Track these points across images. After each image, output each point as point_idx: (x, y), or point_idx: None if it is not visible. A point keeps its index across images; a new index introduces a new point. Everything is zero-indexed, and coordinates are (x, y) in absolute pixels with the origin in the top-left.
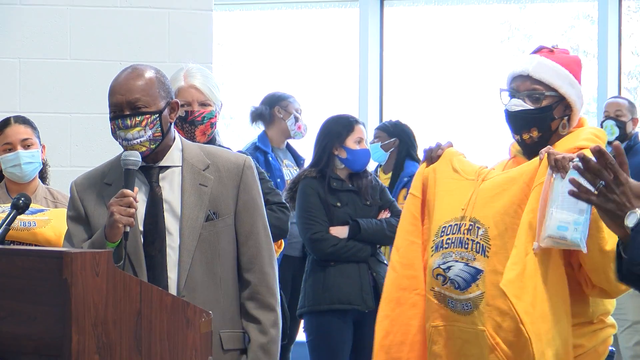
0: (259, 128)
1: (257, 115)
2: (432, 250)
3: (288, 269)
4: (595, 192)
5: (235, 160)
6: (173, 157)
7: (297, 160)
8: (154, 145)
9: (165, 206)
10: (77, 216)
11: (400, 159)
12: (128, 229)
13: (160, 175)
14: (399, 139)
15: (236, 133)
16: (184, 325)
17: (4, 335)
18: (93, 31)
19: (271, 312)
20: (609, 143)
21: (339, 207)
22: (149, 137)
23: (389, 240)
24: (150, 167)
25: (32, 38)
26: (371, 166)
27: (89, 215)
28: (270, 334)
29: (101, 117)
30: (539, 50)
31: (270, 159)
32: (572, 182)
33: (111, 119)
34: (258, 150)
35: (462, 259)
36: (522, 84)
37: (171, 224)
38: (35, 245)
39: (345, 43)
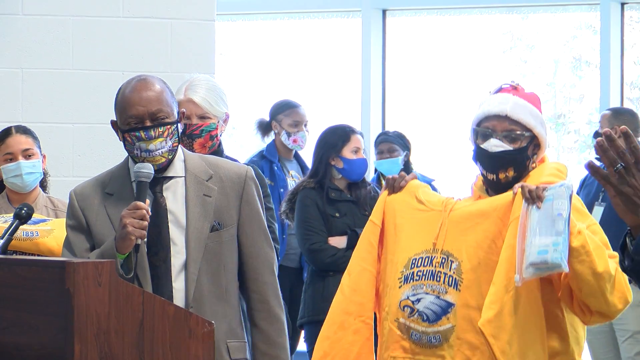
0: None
1: (258, 128)
2: (400, 282)
3: (286, 280)
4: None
5: (237, 171)
6: (176, 167)
7: (305, 171)
8: (171, 156)
9: (169, 217)
10: (78, 225)
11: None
12: (140, 241)
13: (164, 185)
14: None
15: (239, 143)
16: (186, 336)
17: (6, 346)
18: (95, 41)
19: (277, 321)
20: None
21: (337, 217)
22: (169, 147)
23: None
24: (154, 178)
25: (35, 48)
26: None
27: (90, 224)
28: (278, 344)
29: (104, 127)
30: (501, 89)
31: (276, 168)
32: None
33: (128, 131)
34: (264, 158)
35: (434, 292)
36: (499, 124)
37: (175, 234)
38: (38, 255)
39: (348, 53)
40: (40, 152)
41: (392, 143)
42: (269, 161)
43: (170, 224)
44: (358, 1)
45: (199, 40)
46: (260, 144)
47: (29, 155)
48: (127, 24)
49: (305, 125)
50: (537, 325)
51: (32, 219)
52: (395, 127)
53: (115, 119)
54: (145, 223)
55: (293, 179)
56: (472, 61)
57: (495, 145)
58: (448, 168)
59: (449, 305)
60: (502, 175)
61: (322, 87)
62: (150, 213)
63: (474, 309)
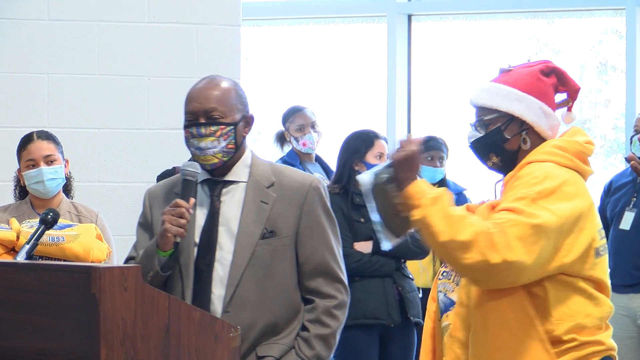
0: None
1: (276, 140)
2: (438, 280)
3: None
4: None
5: (301, 180)
6: (239, 172)
7: (328, 173)
8: (227, 158)
9: (221, 220)
10: (145, 223)
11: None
12: (179, 239)
13: (224, 189)
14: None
15: (264, 148)
16: (212, 341)
17: (32, 351)
18: (121, 47)
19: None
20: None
21: (362, 222)
22: (222, 148)
23: (413, 254)
24: (215, 181)
25: (60, 54)
26: None
27: (154, 223)
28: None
29: (129, 132)
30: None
31: None
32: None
33: (185, 127)
34: (285, 163)
35: (444, 290)
36: (473, 115)
37: (224, 239)
38: (64, 260)
39: (373, 58)
40: (63, 157)
41: (441, 151)
42: (291, 165)
43: (220, 229)
44: (383, 6)
45: (225, 45)
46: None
47: (51, 161)
48: (152, 29)
49: (313, 127)
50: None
51: (58, 224)
52: (420, 132)
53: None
54: (184, 221)
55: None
56: (498, 66)
57: (470, 136)
58: (476, 174)
59: (452, 303)
60: (489, 163)
61: (348, 92)
62: (192, 212)
63: (465, 306)
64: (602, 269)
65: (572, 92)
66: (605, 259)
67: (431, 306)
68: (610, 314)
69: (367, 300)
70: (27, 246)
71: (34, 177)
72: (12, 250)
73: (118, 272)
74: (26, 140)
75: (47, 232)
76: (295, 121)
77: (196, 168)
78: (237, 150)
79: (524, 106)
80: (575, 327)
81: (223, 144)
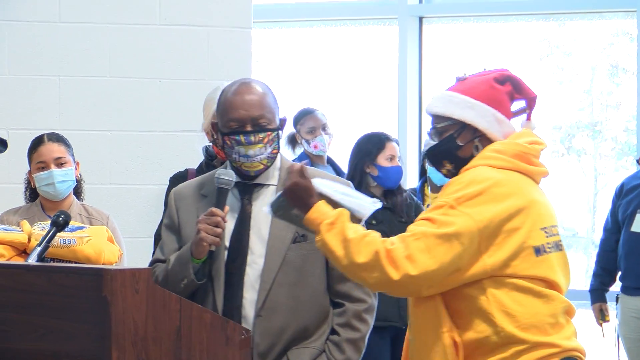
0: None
1: (287, 143)
2: None
3: None
4: None
5: None
6: (270, 175)
7: (340, 175)
8: (270, 163)
9: (252, 224)
10: (171, 225)
11: None
12: (214, 247)
13: (254, 193)
14: None
15: None
16: (223, 343)
17: (43, 353)
18: (132, 49)
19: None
20: None
21: (374, 224)
22: (268, 154)
23: None
24: (245, 184)
25: (72, 56)
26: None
27: (181, 225)
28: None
29: (141, 134)
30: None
31: None
32: None
33: (228, 134)
34: None
35: None
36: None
37: (255, 243)
38: (75, 262)
39: (384, 60)
40: (74, 159)
41: None
42: None
43: (251, 232)
44: (394, 8)
45: (236, 47)
46: (298, 151)
47: (62, 164)
48: (163, 31)
49: (324, 129)
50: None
51: (69, 226)
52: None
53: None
54: (219, 230)
55: None
56: (509, 68)
57: (425, 144)
58: None
59: None
60: (443, 171)
61: (359, 95)
62: (226, 221)
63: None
64: (549, 266)
65: (529, 100)
66: (554, 256)
67: None
68: (567, 310)
69: (379, 303)
70: (39, 248)
71: (44, 180)
72: (24, 252)
73: (129, 274)
74: (37, 143)
75: (58, 234)
76: (306, 123)
77: (231, 176)
78: (277, 154)
79: (476, 113)
80: (522, 326)
81: (269, 149)
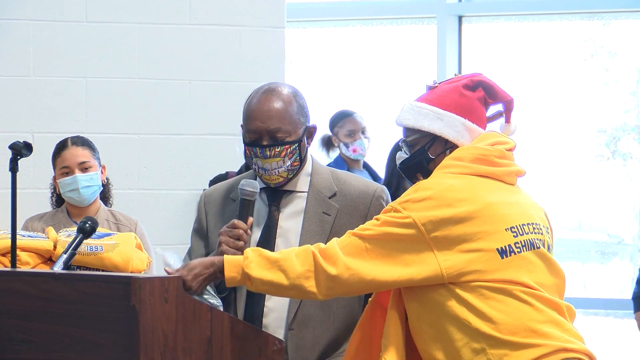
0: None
1: (322, 145)
2: None
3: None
4: None
5: (364, 189)
6: (299, 182)
7: (376, 180)
8: (292, 175)
9: (279, 232)
10: (200, 229)
11: None
12: None
13: (283, 199)
14: None
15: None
16: (256, 354)
17: None
18: (161, 49)
19: None
20: None
21: None
22: (287, 167)
23: None
24: (274, 190)
25: (99, 57)
26: None
27: (210, 230)
28: None
29: (170, 138)
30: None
31: None
32: None
33: (247, 144)
34: None
35: None
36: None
37: (277, 249)
38: (102, 270)
39: (422, 61)
40: (99, 163)
41: None
42: None
43: (277, 240)
44: (433, 7)
45: (268, 48)
46: (333, 155)
47: (86, 168)
48: (194, 31)
49: (364, 132)
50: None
51: (96, 233)
52: None
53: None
54: (241, 243)
55: None
56: (552, 69)
57: (398, 157)
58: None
59: None
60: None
61: (395, 97)
62: (250, 233)
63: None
64: (518, 266)
65: (506, 103)
66: (526, 256)
67: None
68: (559, 309)
69: None
70: (65, 256)
71: (68, 185)
72: (49, 260)
73: (158, 283)
74: (60, 147)
75: (85, 241)
76: (345, 126)
77: (255, 187)
78: (302, 164)
79: (444, 124)
80: (506, 329)
81: (288, 162)
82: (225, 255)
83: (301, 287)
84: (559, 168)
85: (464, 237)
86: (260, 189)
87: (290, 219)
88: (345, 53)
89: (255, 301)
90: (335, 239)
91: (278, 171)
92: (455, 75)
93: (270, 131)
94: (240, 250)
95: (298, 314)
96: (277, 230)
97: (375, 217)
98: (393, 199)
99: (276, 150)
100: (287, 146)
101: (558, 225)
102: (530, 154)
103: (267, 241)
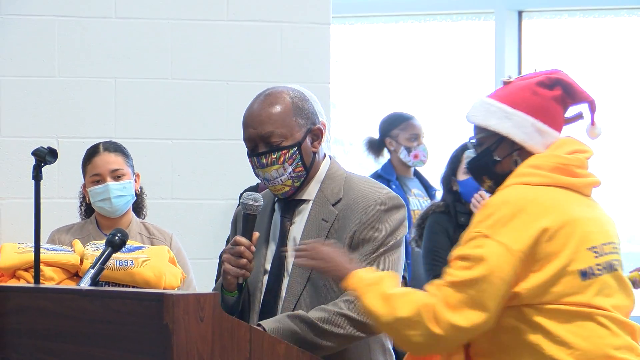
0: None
1: (369, 148)
2: None
3: None
4: None
5: (369, 194)
6: (311, 189)
7: (429, 190)
8: (299, 182)
9: (290, 244)
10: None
11: None
12: (241, 280)
13: (297, 209)
14: None
15: (357, 161)
16: None
17: None
18: (197, 48)
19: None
20: None
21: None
22: (290, 174)
23: None
24: (287, 200)
25: (130, 55)
26: None
27: None
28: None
29: (206, 143)
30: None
31: (394, 187)
32: None
33: (248, 156)
34: (380, 178)
35: None
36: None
37: (290, 263)
38: (133, 286)
39: (479, 60)
40: (133, 171)
41: None
42: (386, 180)
43: (288, 253)
44: (491, 2)
45: (312, 46)
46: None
47: (119, 176)
48: (232, 28)
49: (423, 138)
50: None
51: (126, 246)
52: None
53: None
54: (244, 261)
55: (416, 197)
56: (620, 67)
57: (466, 157)
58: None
59: None
60: (485, 186)
61: (451, 98)
62: (253, 249)
63: None
64: (597, 290)
65: (590, 103)
66: (605, 279)
67: None
68: (633, 332)
69: None
70: (92, 271)
71: (99, 194)
72: (76, 275)
73: (193, 300)
74: (91, 153)
75: (114, 255)
76: (408, 129)
77: (257, 201)
78: (308, 170)
79: (512, 124)
80: (582, 356)
81: (289, 169)
82: (359, 270)
83: (400, 332)
84: (625, 166)
85: (547, 256)
86: (276, 200)
87: (299, 229)
88: (395, 51)
89: (267, 312)
90: (437, 289)
91: (281, 180)
92: (535, 70)
93: (262, 136)
94: (243, 267)
95: None
96: (288, 242)
97: (462, 252)
98: (455, 221)
99: (272, 157)
100: (284, 151)
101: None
102: (601, 159)
103: (280, 254)
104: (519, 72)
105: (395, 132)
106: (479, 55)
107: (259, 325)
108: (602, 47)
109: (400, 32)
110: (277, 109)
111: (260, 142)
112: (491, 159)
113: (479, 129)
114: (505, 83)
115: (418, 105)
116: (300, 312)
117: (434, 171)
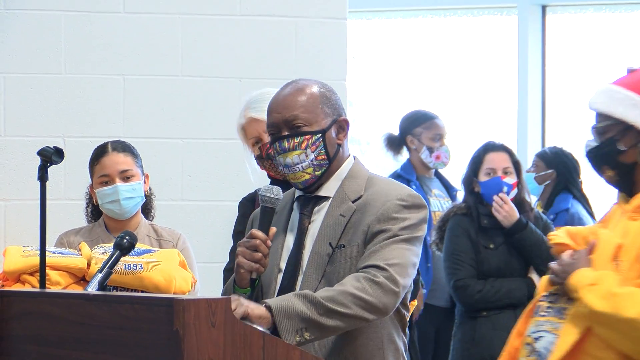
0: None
1: (388, 145)
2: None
3: (431, 321)
4: None
5: (389, 192)
6: (332, 186)
7: (449, 190)
8: (320, 172)
9: (307, 242)
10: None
11: (554, 193)
12: (255, 275)
13: (316, 206)
14: (556, 170)
15: (374, 161)
16: None
17: None
18: (208, 44)
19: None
20: None
21: (491, 249)
22: (311, 161)
23: (546, 257)
24: (306, 197)
25: (139, 52)
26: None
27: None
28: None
29: (218, 143)
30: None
31: (414, 187)
32: None
33: (270, 143)
34: (400, 178)
35: (553, 329)
36: (593, 120)
37: (306, 261)
38: (142, 291)
39: (502, 56)
40: (142, 172)
41: (538, 158)
42: (406, 180)
43: (304, 252)
44: None
45: (328, 41)
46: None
47: (128, 177)
48: (244, 23)
49: (445, 139)
50: None
51: (135, 249)
52: (557, 142)
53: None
54: (259, 255)
55: (437, 198)
56: None
57: (587, 144)
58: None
59: None
60: (605, 176)
61: (471, 95)
62: (269, 244)
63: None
64: None
65: None
66: None
67: (514, 342)
68: None
69: (494, 339)
70: (100, 275)
71: (108, 196)
72: (83, 279)
73: (204, 305)
74: (99, 153)
75: (122, 258)
76: (432, 129)
77: (276, 194)
78: (331, 161)
79: None
80: None
81: (312, 156)
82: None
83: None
84: None
85: None
86: (297, 197)
87: (317, 226)
88: (414, 48)
89: None
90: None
91: (302, 166)
92: (632, 67)
93: (287, 120)
94: (258, 262)
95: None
96: (306, 241)
97: None
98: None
99: (295, 141)
100: (307, 136)
101: None
102: None
103: (298, 252)
104: (542, 70)
105: (418, 130)
106: (500, 51)
107: (263, 302)
108: (630, 44)
109: (420, 28)
110: (304, 95)
111: (284, 127)
112: (615, 149)
113: (602, 117)
114: (631, 71)
115: (437, 103)
116: (306, 291)
117: (453, 172)
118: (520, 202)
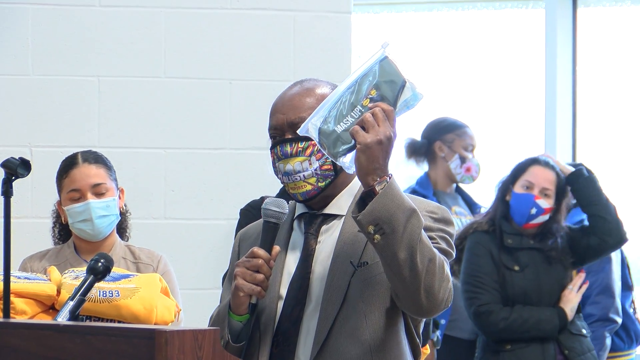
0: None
1: (412, 151)
2: None
3: (452, 355)
4: None
5: (416, 204)
6: (342, 203)
7: (472, 207)
8: (323, 183)
9: (314, 266)
10: (231, 274)
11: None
12: (254, 299)
13: (324, 225)
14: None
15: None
16: None
17: None
18: (195, 41)
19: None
20: None
21: (516, 271)
22: (315, 170)
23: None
24: (313, 215)
25: (116, 50)
26: None
27: None
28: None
29: (206, 153)
30: None
31: None
32: None
33: (270, 148)
34: (415, 193)
35: None
36: None
37: (316, 287)
38: (119, 321)
39: (526, 54)
40: (117, 186)
41: None
42: (422, 196)
43: (313, 277)
44: None
45: (331, 38)
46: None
47: (101, 192)
48: (235, 17)
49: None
50: None
51: (111, 274)
52: (588, 148)
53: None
54: (261, 277)
55: (458, 216)
56: None
57: None
58: None
59: None
60: None
61: (494, 97)
62: (272, 264)
63: None
64: None
65: None
66: None
67: None
68: None
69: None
70: (71, 303)
71: (79, 214)
72: (52, 308)
73: (190, 337)
74: (68, 164)
75: (97, 284)
76: (465, 138)
77: (281, 207)
78: (337, 172)
79: None
80: None
81: (316, 164)
82: None
83: None
84: None
85: None
86: (299, 214)
87: (327, 249)
88: (427, 44)
89: (284, 352)
90: None
91: (303, 175)
92: None
93: (291, 122)
94: (260, 284)
95: (319, 356)
96: (313, 264)
97: None
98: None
99: (299, 146)
100: (313, 142)
101: None
102: None
103: (303, 277)
104: (573, 71)
105: (450, 136)
106: (525, 50)
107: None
108: None
109: (434, 22)
110: (313, 96)
111: (288, 130)
112: None
113: None
114: None
115: (453, 108)
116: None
117: (473, 187)
118: (547, 230)
